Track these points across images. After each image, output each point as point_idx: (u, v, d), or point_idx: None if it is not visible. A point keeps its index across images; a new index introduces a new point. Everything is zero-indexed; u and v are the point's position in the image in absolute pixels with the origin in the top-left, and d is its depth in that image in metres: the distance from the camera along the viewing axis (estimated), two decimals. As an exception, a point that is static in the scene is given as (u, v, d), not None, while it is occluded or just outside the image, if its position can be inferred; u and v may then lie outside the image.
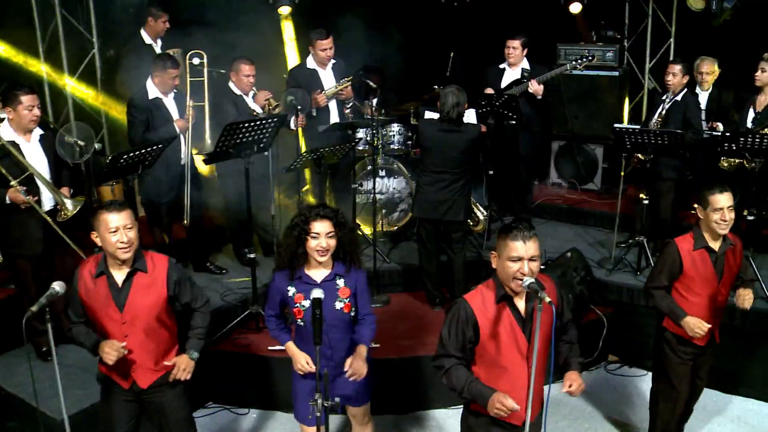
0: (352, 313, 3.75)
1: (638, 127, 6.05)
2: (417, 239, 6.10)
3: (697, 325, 4.06)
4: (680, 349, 4.28)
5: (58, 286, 3.29)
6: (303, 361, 3.69)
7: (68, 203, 4.79)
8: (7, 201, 4.67)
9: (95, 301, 3.55)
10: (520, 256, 3.11)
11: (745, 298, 4.29)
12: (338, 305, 3.67)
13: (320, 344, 3.09)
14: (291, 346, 3.80)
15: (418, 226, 5.97)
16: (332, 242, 3.58)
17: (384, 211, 6.91)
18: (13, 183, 4.64)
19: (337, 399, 3.16)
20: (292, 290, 3.68)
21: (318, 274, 3.67)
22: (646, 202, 5.89)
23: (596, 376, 5.85)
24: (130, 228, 3.50)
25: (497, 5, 8.42)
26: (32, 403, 4.09)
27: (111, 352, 3.49)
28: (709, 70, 6.79)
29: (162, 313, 3.67)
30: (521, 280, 3.10)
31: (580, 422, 5.24)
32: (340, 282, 3.69)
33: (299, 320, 3.68)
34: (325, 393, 3.08)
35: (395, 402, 5.29)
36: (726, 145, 5.48)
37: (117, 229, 3.46)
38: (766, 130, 5.77)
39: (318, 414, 3.06)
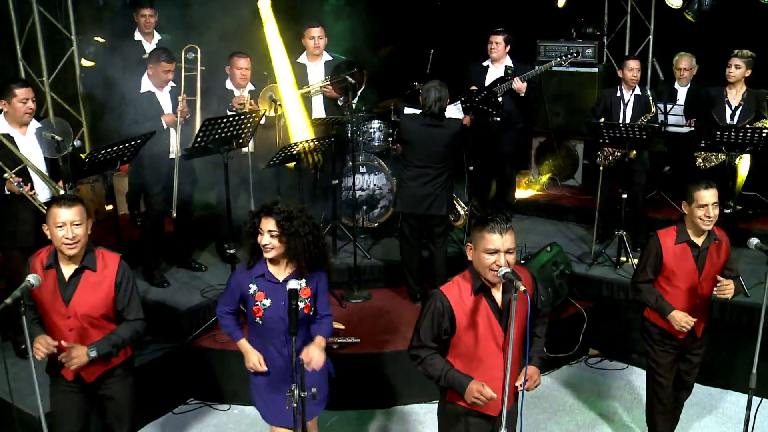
0: (312, 313, 3.70)
1: (621, 122, 6.13)
2: (399, 234, 6.11)
3: (683, 320, 4.10)
4: (663, 343, 4.32)
5: (33, 279, 3.29)
6: (255, 360, 3.65)
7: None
8: (6, 192, 4.67)
9: (43, 293, 3.52)
10: (497, 248, 3.12)
11: (726, 287, 4.21)
12: (299, 305, 3.57)
13: (296, 335, 3.06)
14: (245, 344, 3.73)
15: (401, 221, 5.97)
16: (275, 242, 3.52)
17: (365, 207, 6.92)
18: (7, 174, 4.64)
19: (313, 390, 3.14)
20: (253, 288, 3.62)
21: (280, 272, 3.63)
22: (624, 196, 5.93)
23: (577, 369, 5.90)
24: (78, 224, 3.46)
25: (476, 2, 8.44)
26: (8, 400, 4.06)
27: (40, 348, 3.44)
28: (687, 65, 6.88)
29: (109, 311, 3.64)
30: (497, 271, 3.12)
31: (561, 415, 5.26)
32: (302, 282, 3.62)
33: (257, 319, 3.61)
34: (302, 384, 3.06)
35: (376, 396, 5.30)
36: (706, 140, 5.52)
37: (64, 224, 3.44)
38: (757, 124, 5.86)
39: (294, 405, 3.05)
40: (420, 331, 3.32)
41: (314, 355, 3.58)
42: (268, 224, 3.52)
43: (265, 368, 3.65)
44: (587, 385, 5.65)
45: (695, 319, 4.14)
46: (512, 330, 3.07)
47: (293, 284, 3.19)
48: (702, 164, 6.15)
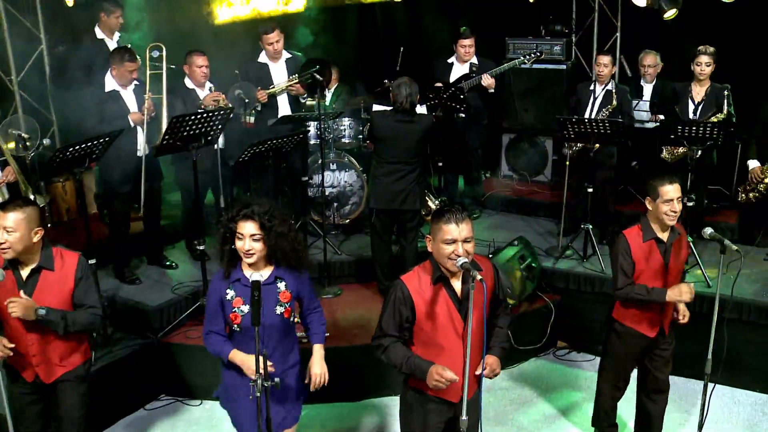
0: (293, 319, 3.57)
1: (585, 117, 6.22)
2: (371, 230, 6.15)
3: (686, 289, 4.04)
4: (627, 341, 4.32)
5: None
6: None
7: (37, 198, 4.95)
8: None
9: (2, 292, 3.48)
10: (454, 238, 3.18)
11: (686, 314, 4.33)
12: (278, 310, 3.46)
13: (258, 325, 3.05)
14: (237, 355, 3.47)
15: (374, 216, 6.02)
16: (257, 245, 3.35)
17: (336, 204, 6.96)
18: None
19: (277, 380, 3.17)
20: (230, 293, 3.45)
21: (257, 276, 3.43)
22: (590, 190, 6.03)
23: (545, 361, 5.99)
24: (11, 231, 3.41)
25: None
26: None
27: None
28: (652, 62, 7.01)
29: (70, 310, 3.63)
30: (455, 260, 3.19)
31: (528, 406, 5.35)
32: (281, 285, 3.48)
33: (235, 326, 3.45)
34: (265, 374, 3.10)
35: (348, 390, 5.34)
36: (670, 135, 5.64)
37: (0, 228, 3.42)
38: (712, 119, 5.99)
39: (258, 395, 3.09)
40: (383, 321, 3.38)
41: (315, 375, 3.59)
42: (249, 228, 3.33)
43: (269, 366, 3.33)
44: (555, 377, 5.75)
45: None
46: (470, 319, 3.13)
47: (256, 276, 3.16)
48: (667, 156, 6.28)
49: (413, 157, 5.74)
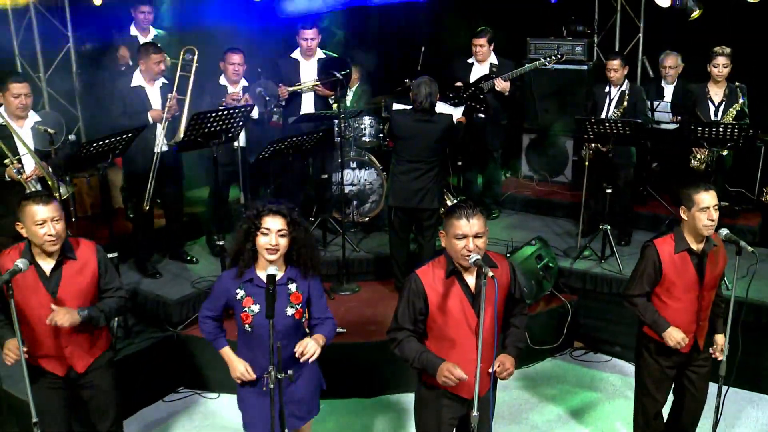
0: (303, 320, 3.55)
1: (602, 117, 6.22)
2: (389, 228, 6.20)
3: (679, 337, 3.90)
4: (661, 358, 4.10)
5: (21, 264, 3.32)
6: (242, 368, 3.49)
7: (62, 188, 5.00)
8: (6, 178, 4.84)
9: (22, 290, 3.50)
10: (465, 233, 3.22)
11: (720, 347, 4.10)
12: (289, 311, 3.45)
13: (272, 317, 3.09)
14: (227, 353, 3.56)
15: (392, 214, 6.06)
16: (283, 241, 3.35)
17: (355, 202, 7.02)
18: (8, 160, 4.80)
19: (290, 371, 3.22)
20: (240, 293, 3.44)
21: (272, 270, 3.26)
22: (609, 191, 6.02)
23: (561, 361, 5.99)
24: (57, 220, 3.49)
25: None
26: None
27: (9, 354, 3.48)
28: (673, 63, 6.98)
29: (96, 298, 3.71)
30: (468, 256, 3.22)
31: (543, 405, 5.36)
32: (292, 287, 3.47)
33: (246, 326, 3.43)
34: (278, 366, 3.14)
35: (363, 386, 5.41)
36: (692, 137, 5.60)
37: (44, 221, 3.46)
38: (730, 111, 5.97)
39: (272, 386, 3.14)
40: (398, 314, 3.43)
41: (308, 345, 3.37)
42: (277, 223, 3.33)
43: (253, 376, 3.48)
44: (570, 377, 5.75)
45: (687, 339, 3.93)
46: (482, 314, 3.16)
47: (272, 269, 3.16)
48: (697, 165, 6.21)
49: (432, 157, 5.77)
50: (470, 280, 3.38)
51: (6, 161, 4.83)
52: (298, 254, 3.46)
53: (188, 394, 5.47)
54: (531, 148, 8.38)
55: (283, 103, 6.48)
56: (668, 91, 7.06)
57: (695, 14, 7.14)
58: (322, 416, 5.09)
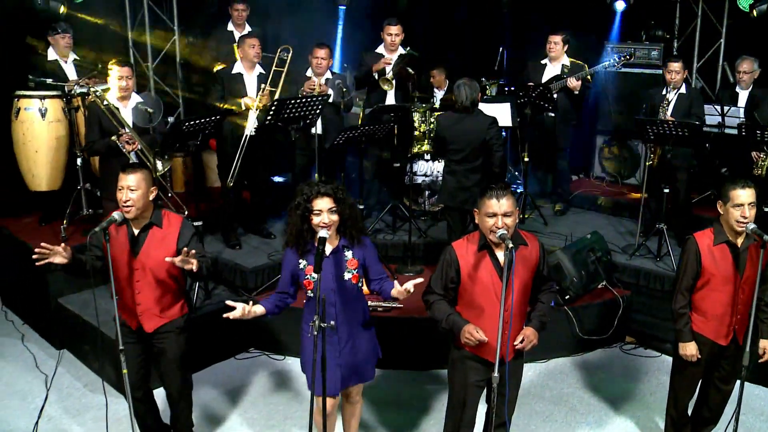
0: (360, 284, 3.95)
1: (667, 119, 6.34)
2: (446, 222, 6.47)
3: (689, 354, 4.17)
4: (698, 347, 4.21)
5: (117, 215, 3.87)
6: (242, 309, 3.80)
7: (158, 164, 5.63)
8: (120, 144, 5.49)
9: (115, 247, 3.91)
10: (495, 212, 3.60)
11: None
12: (347, 276, 3.87)
13: (320, 271, 3.49)
14: (258, 308, 3.90)
15: (445, 211, 6.36)
16: (334, 217, 3.75)
17: (427, 192, 7.42)
18: (122, 131, 5.48)
19: (332, 322, 3.67)
20: (303, 263, 3.86)
21: (327, 246, 3.81)
22: (666, 191, 6.16)
23: (611, 354, 6.14)
24: (133, 190, 3.87)
25: (549, 3, 8.76)
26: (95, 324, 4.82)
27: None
28: (748, 68, 6.99)
29: (172, 267, 3.97)
30: (496, 232, 3.58)
31: (584, 392, 5.56)
32: (348, 254, 3.88)
33: (309, 291, 3.87)
34: (323, 315, 3.53)
35: (416, 358, 5.79)
36: (749, 140, 5.70)
37: (122, 188, 3.88)
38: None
39: (315, 333, 3.51)
40: (432, 279, 3.87)
41: (401, 292, 3.75)
42: (325, 203, 3.73)
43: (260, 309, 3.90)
44: (617, 368, 5.91)
45: (696, 357, 4.14)
46: (504, 283, 3.47)
47: (323, 233, 3.63)
48: (759, 172, 6.18)
49: (476, 158, 5.86)
50: (500, 254, 3.74)
51: (121, 131, 5.49)
52: (345, 226, 3.87)
53: (258, 355, 6.01)
54: (603, 149, 8.52)
55: (364, 96, 6.99)
56: (742, 96, 7.08)
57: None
58: (375, 383, 5.54)
